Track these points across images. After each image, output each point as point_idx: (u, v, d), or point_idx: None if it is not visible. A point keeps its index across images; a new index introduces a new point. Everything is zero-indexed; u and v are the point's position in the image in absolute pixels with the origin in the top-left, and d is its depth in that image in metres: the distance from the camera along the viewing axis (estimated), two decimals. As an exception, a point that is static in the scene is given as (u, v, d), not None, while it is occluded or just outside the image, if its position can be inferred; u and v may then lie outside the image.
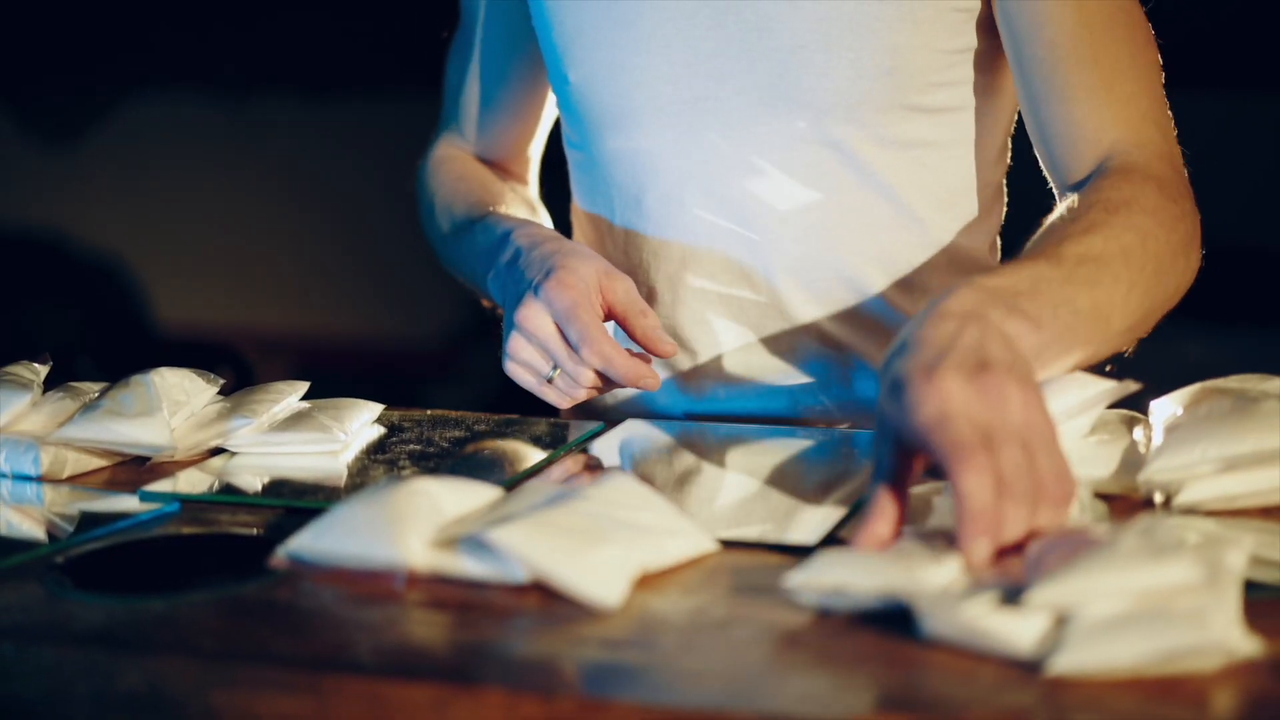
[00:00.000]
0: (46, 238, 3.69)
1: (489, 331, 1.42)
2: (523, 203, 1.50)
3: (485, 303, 1.43)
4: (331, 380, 1.36)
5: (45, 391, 1.27)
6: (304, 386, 1.31)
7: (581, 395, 1.24)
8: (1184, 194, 1.22)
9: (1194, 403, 1.09)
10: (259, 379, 1.35)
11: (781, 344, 1.38)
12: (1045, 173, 1.30)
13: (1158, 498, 1.03)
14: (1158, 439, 1.06)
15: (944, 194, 1.36)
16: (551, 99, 1.52)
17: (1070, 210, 1.16)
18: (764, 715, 0.76)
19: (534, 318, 1.20)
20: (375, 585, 0.93)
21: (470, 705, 0.79)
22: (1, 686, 0.87)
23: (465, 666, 0.84)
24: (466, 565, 0.93)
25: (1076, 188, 1.22)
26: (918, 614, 0.83)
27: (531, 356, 1.22)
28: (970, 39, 1.31)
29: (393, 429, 1.30)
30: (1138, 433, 1.11)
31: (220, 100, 3.63)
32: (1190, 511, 1.01)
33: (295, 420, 1.25)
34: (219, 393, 1.30)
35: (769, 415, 1.39)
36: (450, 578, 0.93)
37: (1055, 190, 1.29)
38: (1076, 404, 1.07)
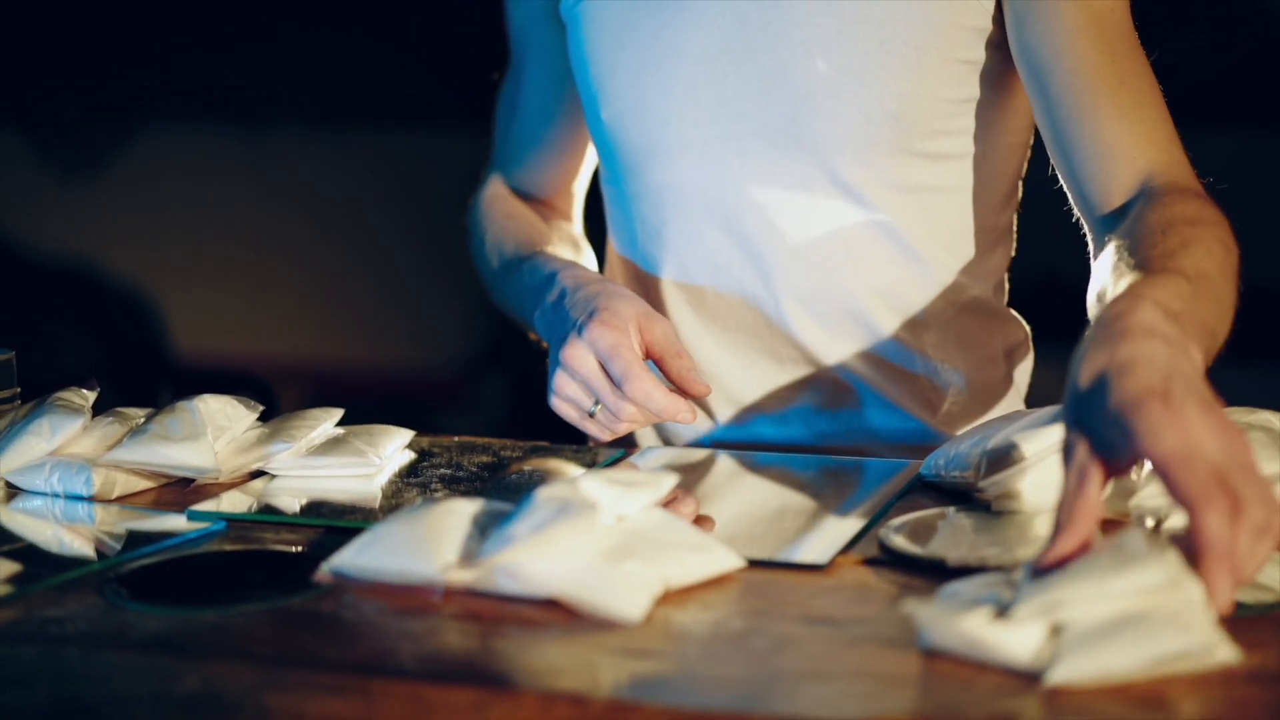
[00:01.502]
0: (65, 265, 3.74)
1: (499, 360, 1.47)
2: (567, 240, 1.56)
3: (531, 335, 1.49)
4: (345, 407, 1.41)
5: (94, 416, 1.33)
6: (339, 413, 1.37)
7: (622, 429, 1.28)
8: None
9: (1184, 433, 1.13)
10: (281, 406, 1.40)
11: (795, 374, 1.44)
12: (1072, 199, 1.31)
13: (1148, 523, 1.08)
14: (1148, 466, 1.10)
15: (947, 236, 1.42)
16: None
17: (1144, 227, 1.16)
18: (779, 718, 0.82)
19: (578, 356, 1.25)
20: (414, 598, 0.99)
21: (508, 707, 0.85)
22: (67, 689, 0.93)
23: (502, 671, 0.90)
24: (499, 580, 0.99)
25: (1120, 211, 1.24)
26: (920, 626, 0.89)
27: (575, 392, 1.28)
28: (975, 89, 1.37)
29: (423, 454, 1.37)
30: (1130, 461, 1.16)
31: (238, 128, 3.68)
32: (1178, 535, 1.06)
33: (332, 445, 1.32)
34: (258, 418, 1.36)
35: (785, 442, 1.45)
36: (484, 591, 0.99)
37: (1083, 217, 1.31)
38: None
